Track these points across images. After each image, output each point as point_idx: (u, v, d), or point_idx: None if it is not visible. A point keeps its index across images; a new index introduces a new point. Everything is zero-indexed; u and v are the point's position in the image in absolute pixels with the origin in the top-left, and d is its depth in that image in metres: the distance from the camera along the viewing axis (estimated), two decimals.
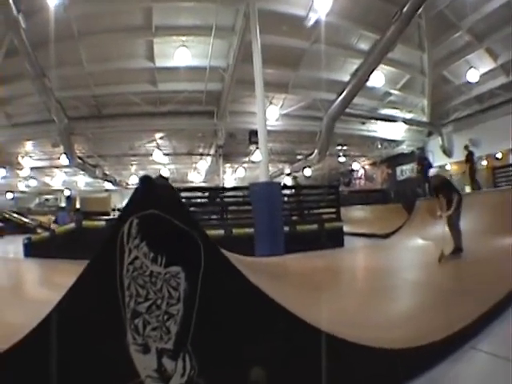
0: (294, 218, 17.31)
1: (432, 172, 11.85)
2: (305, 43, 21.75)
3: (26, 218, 38.74)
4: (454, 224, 10.38)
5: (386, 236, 16.31)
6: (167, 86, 23.34)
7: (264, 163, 15.86)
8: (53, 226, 30.89)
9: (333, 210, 16.65)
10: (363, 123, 29.32)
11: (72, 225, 14.85)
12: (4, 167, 37.05)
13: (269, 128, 19.12)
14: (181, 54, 20.47)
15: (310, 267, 10.03)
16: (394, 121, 28.95)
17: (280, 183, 18.54)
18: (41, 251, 14.33)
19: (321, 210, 17.45)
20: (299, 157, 33.55)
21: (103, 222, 14.81)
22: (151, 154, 32.82)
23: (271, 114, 23.94)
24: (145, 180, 3.36)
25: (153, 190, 3.35)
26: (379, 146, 34.28)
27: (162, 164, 37.10)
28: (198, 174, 41.72)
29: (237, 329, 3.31)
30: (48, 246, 14.62)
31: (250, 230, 13.15)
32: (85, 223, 14.82)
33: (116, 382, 3.10)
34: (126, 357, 3.04)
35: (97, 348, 3.15)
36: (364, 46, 22.52)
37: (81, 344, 3.17)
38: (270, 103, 24.76)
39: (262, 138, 16.28)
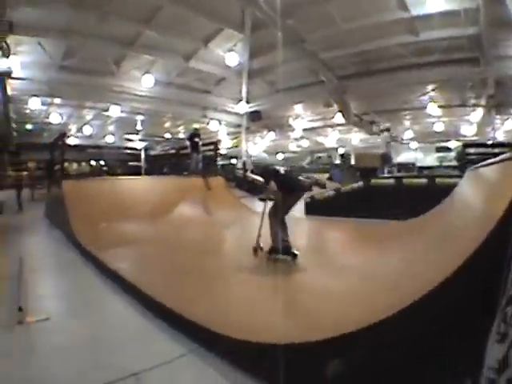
0: None
1: None
2: None
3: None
4: None
5: None
6: (427, 34, 22.04)
7: None
8: (328, 183, 31.67)
9: None
10: None
11: (359, 183, 14.76)
12: (274, 130, 38.88)
13: None
14: None
15: None
16: None
17: None
18: (322, 209, 14.55)
19: None
20: None
21: (391, 180, 14.52)
22: (425, 107, 31.18)
23: None
24: None
25: None
26: None
27: (436, 117, 35.12)
28: (469, 126, 37.66)
29: None
30: (331, 204, 14.84)
31: None
32: (372, 181, 14.66)
33: (460, 369, 2.88)
34: (479, 345, 2.71)
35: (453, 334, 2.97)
36: None
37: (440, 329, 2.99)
38: None
39: None
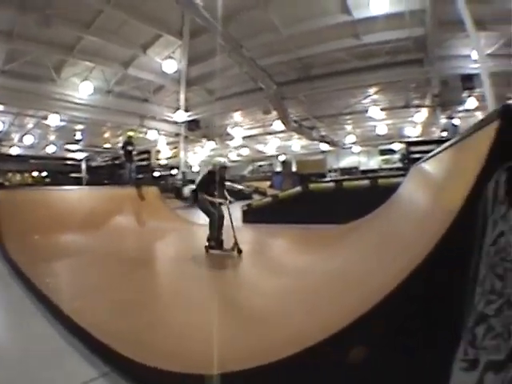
0: None
1: None
2: None
3: (239, 184, 40.15)
4: None
5: None
6: (371, 37, 22.23)
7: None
8: (269, 190, 31.74)
9: None
10: None
11: (297, 188, 14.57)
12: (213, 139, 38.68)
13: (476, 72, 17.60)
14: (376, 1, 19.20)
15: None
16: None
17: None
18: (260, 217, 14.35)
19: None
20: (510, 101, 30.42)
21: (331, 184, 14.26)
22: (367, 111, 31.60)
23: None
24: (508, 110, 2.40)
25: None
26: None
27: (378, 120, 35.52)
28: (413, 127, 38.71)
29: None
30: (269, 211, 14.59)
31: None
32: (311, 186, 14.40)
33: None
34: (441, 373, 2.16)
35: (407, 360, 2.43)
36: None
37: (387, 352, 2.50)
38: None
39: (485, 81, 14.98)
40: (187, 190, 29.18)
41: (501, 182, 2.17)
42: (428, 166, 5.27)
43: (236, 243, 8.36)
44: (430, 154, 5.51)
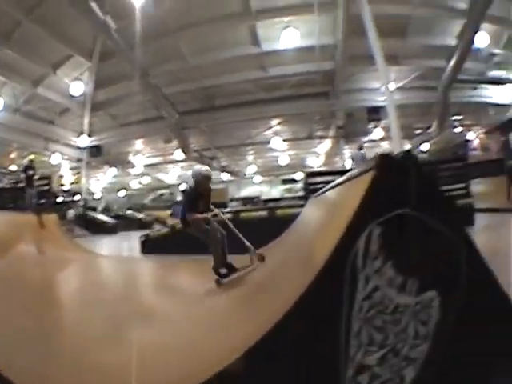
0: None
1: None
2: (407, 8, 20.33)
3: (140, 213, 39.50)
4: None
5: None
6: (278, 70, 23.15)
7: (397, 142, 15.37)
8: (170, 220, 31.57)
9: (461, 185, 13.99)
10: (474, 89, 27.12)
11: None
12: (115, 166, 38.22)
13: (385, 103, 18.31)
14: (287, 35, 20.14)
15: None
16: (503, 83, 26.56)
17: None
18: (159, 247, 13.93)
19: (448, 187, 15.40)
20: (418, 131, 31.94)
21: (228, 215, 14.41)
22: (269, 142, 32.58)
23: None
24: (384, 160, 2.34)
25: (400, 175, 2.30)
26: (492, 113, 31.60)
27: (281, 151, 36.63)
28: (316, 158, 40.32)
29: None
30: (167, 241, 14.04)
31: None
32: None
33: None
34: None
35: None
36: (462, 4, 20.42)
37: None
38: None
39: (391, 113, 15.61)
40: (71, 213, 28.77)
41: (374, 236, 2.20)
42: (321, 200, 5.44)
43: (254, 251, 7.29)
44: (324, 189, 5.72)
